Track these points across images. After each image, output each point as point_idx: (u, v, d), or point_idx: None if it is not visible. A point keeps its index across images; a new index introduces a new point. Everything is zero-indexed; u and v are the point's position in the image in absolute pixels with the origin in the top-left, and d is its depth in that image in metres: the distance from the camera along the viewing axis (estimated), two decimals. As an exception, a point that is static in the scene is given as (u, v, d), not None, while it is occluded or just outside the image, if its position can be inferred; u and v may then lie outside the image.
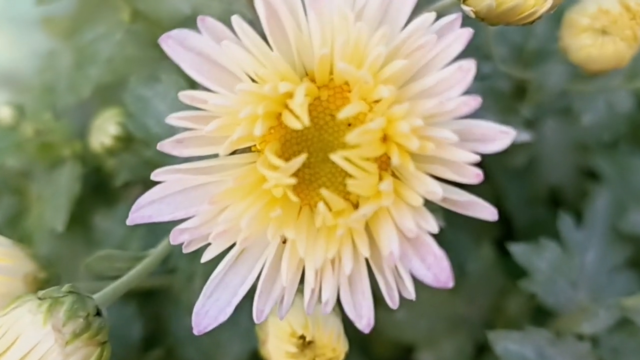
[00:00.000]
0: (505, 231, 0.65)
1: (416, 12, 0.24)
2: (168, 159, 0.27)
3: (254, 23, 0.24)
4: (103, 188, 0.58)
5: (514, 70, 0.52)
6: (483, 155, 0.42)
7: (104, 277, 0.37)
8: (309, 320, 0.33)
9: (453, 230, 0.44)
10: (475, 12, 0.26)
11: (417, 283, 0.24)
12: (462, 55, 0.49)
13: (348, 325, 0.27)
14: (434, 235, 0.23)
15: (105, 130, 0.44)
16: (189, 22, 0.44)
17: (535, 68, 0.51)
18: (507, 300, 0.56)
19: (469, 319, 0.57)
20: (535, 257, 0.45)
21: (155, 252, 0.37)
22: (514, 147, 0.46)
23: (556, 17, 0.39)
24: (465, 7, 0.26)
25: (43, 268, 0.39)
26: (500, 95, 0.46)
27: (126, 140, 0.44)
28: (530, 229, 0.64)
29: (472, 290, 0.57)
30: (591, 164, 0.61)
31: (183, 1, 0.43)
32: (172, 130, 0.28)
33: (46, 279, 0.39)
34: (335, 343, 0.34)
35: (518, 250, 0.46)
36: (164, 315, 0.53)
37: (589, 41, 0.37)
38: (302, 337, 0.34)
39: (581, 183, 0.63)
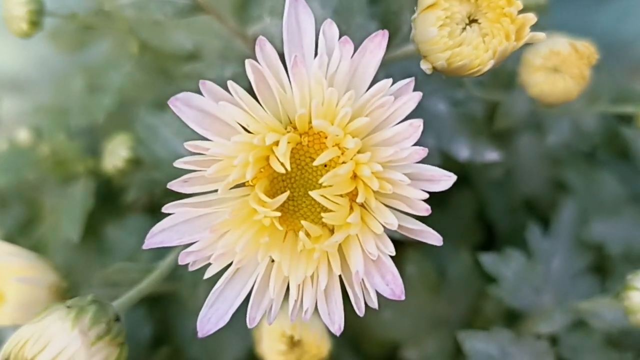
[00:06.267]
0: (488, 236, 0.70)
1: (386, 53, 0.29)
2: (173, 180, 0.32)
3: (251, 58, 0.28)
4: (113, 199, 0.63)
5: (488, 93, 0.57)
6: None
7: (115, 285, 0.43)
8: (297, 323, 0.39)
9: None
10: (432, 69, 0.32)
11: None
12: (438, 79, 0.54)
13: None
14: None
15: (117, 154, 0.49)
16: (192, 57, 0.49)
17: (508, 90, 0.56)
18: (483, 302, 0.61)
19: (450, 319, 0.61)
20: (503, 266, 0.50)
21: (164, 264, 0.42)
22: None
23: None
24: (423, 65, 0.31)
25: (64, 278, 0.44)
26: (472, 120, 0.50)
27: (136, 163, 0.49)
28: (511, 234, 0.69)
29: (452, 292, 0.62)
30: (561, 176, 0.65)
31: (186, 38, 0.48)
32: (177, 155, 0.33)
33: (67, 288, 0.44)
34: (319, 342, 0.40)
35: (487, 259, 0.51)
36: (171, 318, 0.59)
37: (542, 79, 0.42)
38: (291, 337, 0.40)
39: (553, 193, 0.68)
